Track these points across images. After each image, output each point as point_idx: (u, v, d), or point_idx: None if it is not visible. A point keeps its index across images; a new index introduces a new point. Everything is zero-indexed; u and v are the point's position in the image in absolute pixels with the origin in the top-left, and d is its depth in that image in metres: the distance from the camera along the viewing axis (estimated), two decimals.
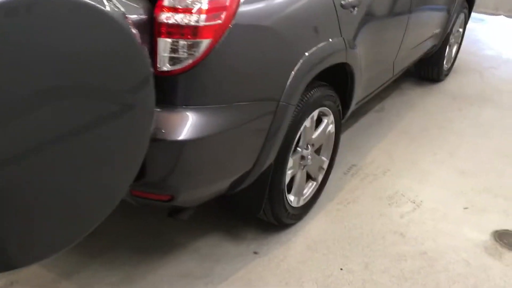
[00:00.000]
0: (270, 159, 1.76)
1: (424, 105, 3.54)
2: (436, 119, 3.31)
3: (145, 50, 1.25)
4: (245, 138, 1.64)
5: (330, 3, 1.85)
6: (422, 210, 2.31)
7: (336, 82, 2.15)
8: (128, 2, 1.33)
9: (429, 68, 3.82)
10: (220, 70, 1.45)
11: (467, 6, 3.86)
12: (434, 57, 3.70)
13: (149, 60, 1.25)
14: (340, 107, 2.20)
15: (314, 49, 1.76)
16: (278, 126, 1.69)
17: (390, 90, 3.72)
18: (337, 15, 1.90)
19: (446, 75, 4.02)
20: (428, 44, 3.36)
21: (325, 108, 2.08)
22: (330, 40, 1.88)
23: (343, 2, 1.92)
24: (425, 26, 3.09)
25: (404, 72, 3.54)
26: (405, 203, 2.35)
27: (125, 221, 2.09)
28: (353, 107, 2.35)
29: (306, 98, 1.86)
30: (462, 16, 3.87)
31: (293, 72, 1.67)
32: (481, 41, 5.41)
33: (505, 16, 6.17)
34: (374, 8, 2.24)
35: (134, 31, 1.18)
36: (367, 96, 2.62)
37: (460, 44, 4.16)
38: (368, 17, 2.18)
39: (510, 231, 2.19)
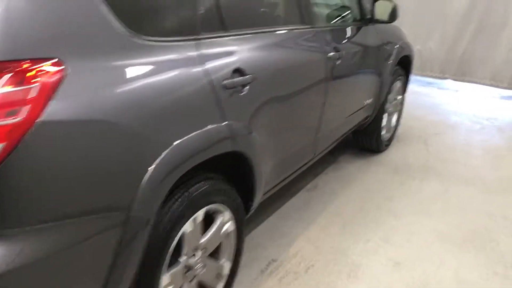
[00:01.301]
0: (126, 282, 1.37)
1: (362, 180, 3.24)
2: (374, 197, 3.00)
3: None
4: (82, 261, 1.25)
5: (205, 85, 1.55)
6: None
7: (234, 172, 1.83)
8: None
9: (367, 139, 3.58)
10: (26, 181, 1.09)
11: (402, 73, 3.69)
12: (370, 128, 3.46)
13: None
14: (239, 201, 1.86)
15: (181, 140, 1.43)
16: (130, 241, 1.32)
17: (325, 163, 3.43)
18: (217, 97, 1.59)
19: (387, 145, 3.78)
20: (360, 116, 3.12)
21: (217, 204, 1.73)
22: (209, 127, 1.56)
23: (225, 82, 1.62)
24: (351, 99, 2.85)
25: (342, 143, 3.28)
26: None
27: None
28: (259, 198, 2.01)
29: (180, 199, 1.52)
30: (398, 83, 3.69)
31: (148, 173, 1.32)
32: (428, 105, 5.29)
33: (452, 79, 6.13)
34: (276, 85, 1.95)
35: None
36: (282, 181, 2.30)
37: (401, 111, 3.96)
38: (268, 96, 1.89)
39: None
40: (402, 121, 4.34)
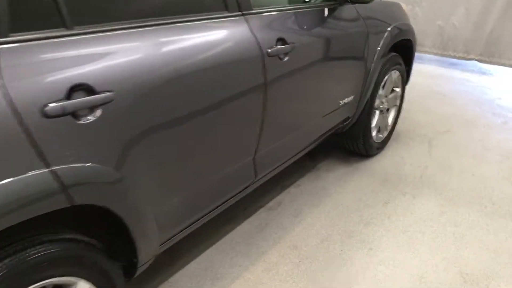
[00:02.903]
0: None
1: (339, 195, 2.65)
2: (347, 221, 2.41)
3: None
4: None
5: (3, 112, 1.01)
6: None
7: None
8: None
9: (352, 143, 2.97)
10: None
11: (400, 61, 3.01)
12: (354, 130, 2.84)
13: None
14: (111, 266, 1.35)
15: None
16: None
17: (300, 170, 2.86)
18: (40, 129, 1.06)
19: (380, 148, 3.15)
20: (334, 119, 2.51)
21: (62, 278, 1.22)
22: (28, 174, 1.04)
23: (50, 109, 1.08)
24: (314, 101, 2.24)
25: (327, 144, 2.70)
26: None
27: None
28: (149, 253, 1.49)
29: None
30: (395, 73, 3.02)
31: None
32: (444, 92, 4.55)
33: (478, 60, 5.32)
34: (153, 103, 1.37)
35: None
36: (210, 212, 1.78)
37: (400, 106, 3.29)
38: (143, 120, 1.33)
39: None
40: (408, 114, 3.71)
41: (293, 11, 2.02)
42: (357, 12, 2.46)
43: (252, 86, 1.75)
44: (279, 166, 2.17)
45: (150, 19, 1.39)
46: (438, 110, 4.04)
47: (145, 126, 1.33)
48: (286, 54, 1.88)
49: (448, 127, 3.68)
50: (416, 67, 5.35)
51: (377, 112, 2.99)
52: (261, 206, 2.53)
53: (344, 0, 2.34)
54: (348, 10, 2.38)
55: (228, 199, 1.89)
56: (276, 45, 1.82)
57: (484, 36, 5.15)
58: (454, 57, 5.43)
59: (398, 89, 3.17)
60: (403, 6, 3.18)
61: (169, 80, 1.37)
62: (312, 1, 2.28)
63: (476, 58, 5.30)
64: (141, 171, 1.34)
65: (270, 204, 2.56)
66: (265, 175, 2.07)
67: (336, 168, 2.96)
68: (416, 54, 5.74)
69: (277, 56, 1.84)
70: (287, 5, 2.02)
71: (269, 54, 1.78)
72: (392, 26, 2.79)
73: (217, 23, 1.61)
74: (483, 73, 5.36)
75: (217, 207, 1.84)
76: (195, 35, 1.52)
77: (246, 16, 1.74)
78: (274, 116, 1.92)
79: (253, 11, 1.78)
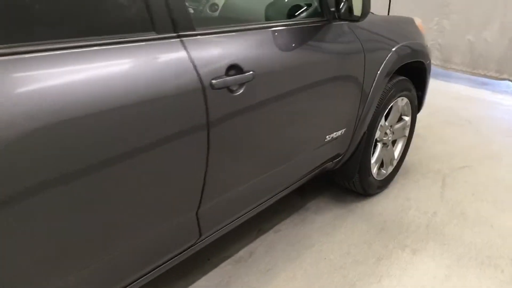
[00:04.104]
0: None
1: (323, 247, 2.23)
2: (327, 283, 2.00)
3: None
4: None
5: None
6: None
7: None
8: None
9: (346, 181, 2.53)
10: None
11: (409, 86, 2.57)
12: (349, 167, 2.42)
13: None
14: None
15: None
16: None
17: (287, 211, 2.46)
18: None
19: (382, 186, 2.70)
20: (318, 158, 2.11)
21: None
22: None
23: None
24: (285, 138, 1.83)
25: (321, 178, 2.32)
26: None
27: None
28: None
29: None
30: (402, 101, 2.58)
31: None
32: (469, 118, 4.03)
33: (511, 81, 4.75)
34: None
35: None
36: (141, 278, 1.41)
37: (410, 137, 2.84)
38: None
39: None
40: (424, 143, 3.25)
41: (257, 30, 1.63)
42: (350, 31, 2.05)
43: (188, 127, 1.36)
44: (237, 220, 1.77)
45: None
46: (459, 140, 3.54)
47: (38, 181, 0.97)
48: (241, 85, 1.49)
49: (468, 161, 3.18)
50: (441, 86, 4.84)
51: (379, 145, 2.56)
52: (228, 257, 2.14)
53: (333, 17, 1.92)
54: (338, 28, 1.97)
55: (162, 264, 1.51)
56: (226, 75, 1.44)
57: None
58: (485, 76, 4.89)
59: (407, 118, 2.72)
60: (418, 21, 2.73)
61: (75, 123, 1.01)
62: (298, 17, 1.88)
63: (510, 78, 4.74)
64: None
65: (240, 254, 2.16)
66: (216, 232, 1.68)
67: (328, 210, 2.54)
68: (443, 72, 5.22)
69: (227, 88, 1.45)
70: (249, 23, 1.63)
71: (214, 86, 1.39)
72: (399, 45, 2.36)
73: (133, 48, 1.24)
74: None
75: (145, 275, 1.46)
76: (100, 64, 1.15)
77: (184, 39, 1.36)
78: (224, 162, 1.54)
79: (196, 32, 1.40)
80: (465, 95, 4.68)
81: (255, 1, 2.11)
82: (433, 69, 5.23)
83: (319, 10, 1.92)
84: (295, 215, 2.49)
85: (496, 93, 4.81)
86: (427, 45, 2.75)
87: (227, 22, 2.16)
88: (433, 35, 5.12)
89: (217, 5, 2.25)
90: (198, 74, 1.36)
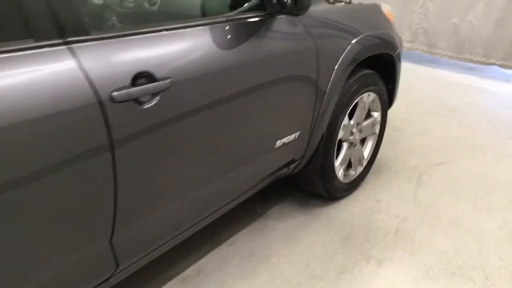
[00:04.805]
0: None
1: (280, 260, 2.05)
2: None
3: None
4: None
5: None
6: None
7: None
8: None
9: (308, 184, 2.35)
10: None
11: (376, 80, 2.36)
12: (307, 172, 2.23)
13: None
14: None
15: None
16: None
17: (246, 219, 2.28)
18: None
19: (349, 189, 2.51)
20: (265, 168, 1.91)
21: None
22: None
23: None
24: (217, 151, 1.63)
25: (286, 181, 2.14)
26: None
27: None
28: None
29: None
30: (369, 96, 2.38)
31: None
32: (456, 106, 3.82)
33: (500, 66, 4.52)
34: None
35: None
36: None
37: (382, 134, 2.64)
38: None
39: None
40: (402, 136, 3.05)
41: (176, 30, 1.42)
42: (299, 23, 1.83)
43: (85, 150, 1.17)
44: (168, 243, 1.59)
45: None
46: (441, 132, 3.34)
47: None
48: (154, 94, 1.29)
49: (448, 155, 2.98)
50: (427, 72, 4.61)
51: (345, 145, 2.36)
52: (176, 275, 1.96)
53: (276, 9, 1.70)
54: (283, 22, 1.76)
55: None
56: (132, 85, 1.24)
57: (507, 37, 4.35)
58: (472, 61, 4.66)
59: (376, 114, 2.52)
60: (386, 8, 2.51)
61: None
62: (232, 12, 1.68)
63: (498, 63, 4.52)
64: None
65: (188, 271, 1.98)
66: (139, 261, 1.49)
67: (290, 216, 2.35)
68: (429, 57, 4.98)
69: (134, 100, 1.25)
70: (168, 24, 1.42)
71: (115, 99, 1.20)
72: (360, 36, 2.15)
73: (5, 60, 1.04)
74: (505, 80, 4.56)
75: None
76: None
77: (74, 45, 1.15)
78: (139, 184, 1.34)
79: (92, 37, 1.19)
80: (451, 81, 4.46)
81: None
82: (419, 54, 5.00)
83: (260, 2, 1.71)
84: (255, 223, 2.30)
85: (483, 79, 4.58)
86: (396, 34, 2.53)
87: (164, 18, 1.96)
88: (418, 19, 4.89)
89: None
90: (93, 87, 1.16)
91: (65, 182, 1.15)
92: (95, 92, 1.16)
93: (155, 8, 2.03)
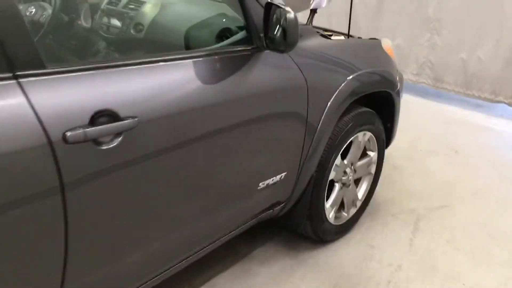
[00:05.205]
0: None
1: None
2: None
3: None
4: None
5: None
6: None
7: None
8: None
9: (295, 226, 2.21)
10: None
11: (374, 119, 2.24)
12: (294, 214, 2.09)
13: None
14: None
15: None
16: None
17: (229, 260, 2.13)
18: None
19: (341, 232, 2.36)
20: (246, 211, 1.78)
21: None
22: None
23: None
24: (188, 195, 1.50)
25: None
26: None
27: None
28: None
29: None
30: (364, 136, 2.25)
31: None
32: (456, 147, 3.66)
33: (508, 104, 4.38)
34: None
35: None
36: None
37: (378, 174, 2.50)
38: None
39: None
40: (400, 176, 2.92)
41: (149, 64, 1.31)
42: (289, 58, 1.72)
43: (31, 194, 1.05)
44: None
45: None
46: (442, 173, 3.18)
47: None
48: (117, 135, 1.18)
49: (449, 199, 2.83)
50: (431, 107, 4.47)
51: (337, 186, 2.22)
52: None
53: (263, 44, 1.60)
54: (271, 57, 1.65)
55: None
56: (91, 124, 1.12)
57: None
58: (479, 98, 4.52)
59: (372, 154, 2.39)
60: (386, 44, 2.40)
61: None
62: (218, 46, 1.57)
63: (506, 101, 4.37)
64: None
65: None
66: None
67: (275, 260, 2.20)
68: (435, 91, 4.84)
69: (92, 141, 1.13)
70: (138, 57, 1.32)
71: (68, 140, 1.08)
72: (357, 73, 2.04)
73: None
74: None
75: None
76: None
77: (23, 80, 1.05)
78: (95, 233, 1.22)
79: (47, 70, 1.09)
80: (456, 118, 4.32)
81: (182, 22, 1.80)
82: (424, 88, 4.87)
83: (246, 36, 1.60)
84: (237, 265, 2.16)
85: (490, 117, 4.43)
86: (397, 71, 2.42)
87: (150, 46, 1.86)
88: (425, 52, 4.78)
89: (142, 25, 1.94)
90: (42, 126, 1.04)
91: (11, 227, 1.04)
92: (45, 132, 1.05)
93: (134, 37, 1.94)
